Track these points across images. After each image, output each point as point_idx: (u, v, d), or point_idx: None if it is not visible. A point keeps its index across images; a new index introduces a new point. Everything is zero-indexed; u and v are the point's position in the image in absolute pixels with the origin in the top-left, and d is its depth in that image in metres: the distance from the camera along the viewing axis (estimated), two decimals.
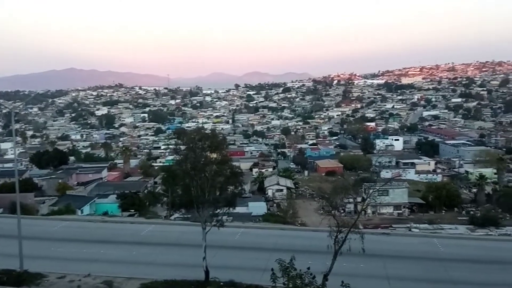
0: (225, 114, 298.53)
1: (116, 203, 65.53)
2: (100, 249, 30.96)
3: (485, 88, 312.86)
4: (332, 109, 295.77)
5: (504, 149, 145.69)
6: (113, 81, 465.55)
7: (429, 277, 26.64)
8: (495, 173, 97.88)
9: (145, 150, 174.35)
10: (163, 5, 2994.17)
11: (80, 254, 29.75)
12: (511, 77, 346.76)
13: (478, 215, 65.88)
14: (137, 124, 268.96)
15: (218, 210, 25.01)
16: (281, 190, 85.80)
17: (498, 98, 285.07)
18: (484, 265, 28.57)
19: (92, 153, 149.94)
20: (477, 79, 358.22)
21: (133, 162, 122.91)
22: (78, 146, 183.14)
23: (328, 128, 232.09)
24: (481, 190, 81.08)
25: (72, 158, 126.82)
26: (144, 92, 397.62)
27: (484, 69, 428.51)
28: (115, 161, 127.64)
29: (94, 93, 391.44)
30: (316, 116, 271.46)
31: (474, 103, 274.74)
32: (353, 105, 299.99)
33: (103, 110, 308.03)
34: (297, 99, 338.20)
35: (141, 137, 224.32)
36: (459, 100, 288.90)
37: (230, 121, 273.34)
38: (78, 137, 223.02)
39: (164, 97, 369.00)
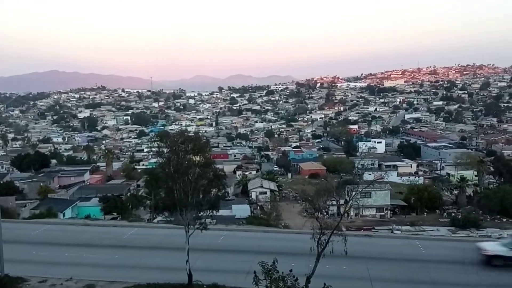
0: (208, 117, 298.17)
1: (98, 206, 64.87)
2: (82, 252, 30.61)
3: (466, 91, 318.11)
4: (315, 112, 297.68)
5: (484, 151, 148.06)
6: (95, 84, 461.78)
7: (411, 278, 26.93)
8: (476, 175, 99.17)
9: (128, 153, 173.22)
10: (147, 8, 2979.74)
11: (62, 258, 29.41)
12: (491, 80, 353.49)
13: (459, 216, 66.36)
14: (120, 127, 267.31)
15: (201, 213, 25.02)
16: (265, 193, 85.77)
17: (479, 101, 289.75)
18: (465, 266, 28.97)
19: (74, 156, 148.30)
20: (458, 82, 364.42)
21: (116, 165, 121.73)
22: (60, 149, 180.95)
23: (312, 131, 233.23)
24: (462, 192, 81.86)
25: (54, 161, 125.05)
26: (127, 94, 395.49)
27: (465, 73, 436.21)
28: (98, 164, 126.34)
29: (77, 96, 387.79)
30: (299, 119, 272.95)
31: (455, 106, 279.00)
32: (336, 108, 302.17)
33: (86, 113, 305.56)
34: (281, 102, 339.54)
35: (124, 140, 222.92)
36: (440, 103, 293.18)
37: (214, 123, 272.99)
38: (60, 139, 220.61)
39: (147, 100, 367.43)
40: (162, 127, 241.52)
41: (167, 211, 27.88)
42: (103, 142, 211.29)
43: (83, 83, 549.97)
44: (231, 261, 28.94)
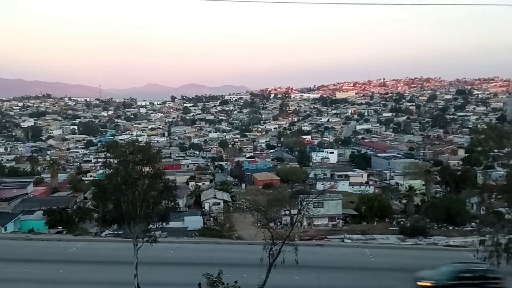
0: (160, 127, 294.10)
1: (42, 219, 62.19)
2: (24, 268, 29.12)
3: (414, 103, 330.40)
4: (270, 122, 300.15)
5: (431, 161, 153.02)
6: (40, 92, 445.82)
7: (360, 286, 27.26)
8: (423, 185, 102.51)
9: (75, 164, 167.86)
10: (95, 12, 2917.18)
11: (2, 274, 27.86)
12: (438, 93, 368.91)
13: (408, 225, 68.14)
14: (66, 137, 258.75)
15: (151, 226, 24.38)
16: (218, 204, 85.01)
17: (426, 113, 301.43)
18: (413, 274, 29.51)
19: (17, 167, 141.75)
20: (407, 94, 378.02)
21: (62, 177, 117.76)
22: (2, 159, 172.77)
23: (266, 141, 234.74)
24: (410, 201, 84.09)
25: None
26: (74, 103, 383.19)
27: (413, 85, 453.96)
28: (42, 175, 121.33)
29: (20, 104, 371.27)
30: (253, 129, 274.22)
31: (404, 118, 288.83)
32: (289, 119, 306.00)
33: (30, 122, 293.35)
34: (235, 112, 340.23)
35: (71, 150, 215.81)
36: (390, 114, 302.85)
37: (166, 133, 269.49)
38: (2, 150, 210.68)
39: (95, 109, 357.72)
40: (112, 137, 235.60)
41: (115, 224, 26.95)
42: (48, 152, 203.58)
43: (27, 91, 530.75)
44: (182, 274, 28.22)
